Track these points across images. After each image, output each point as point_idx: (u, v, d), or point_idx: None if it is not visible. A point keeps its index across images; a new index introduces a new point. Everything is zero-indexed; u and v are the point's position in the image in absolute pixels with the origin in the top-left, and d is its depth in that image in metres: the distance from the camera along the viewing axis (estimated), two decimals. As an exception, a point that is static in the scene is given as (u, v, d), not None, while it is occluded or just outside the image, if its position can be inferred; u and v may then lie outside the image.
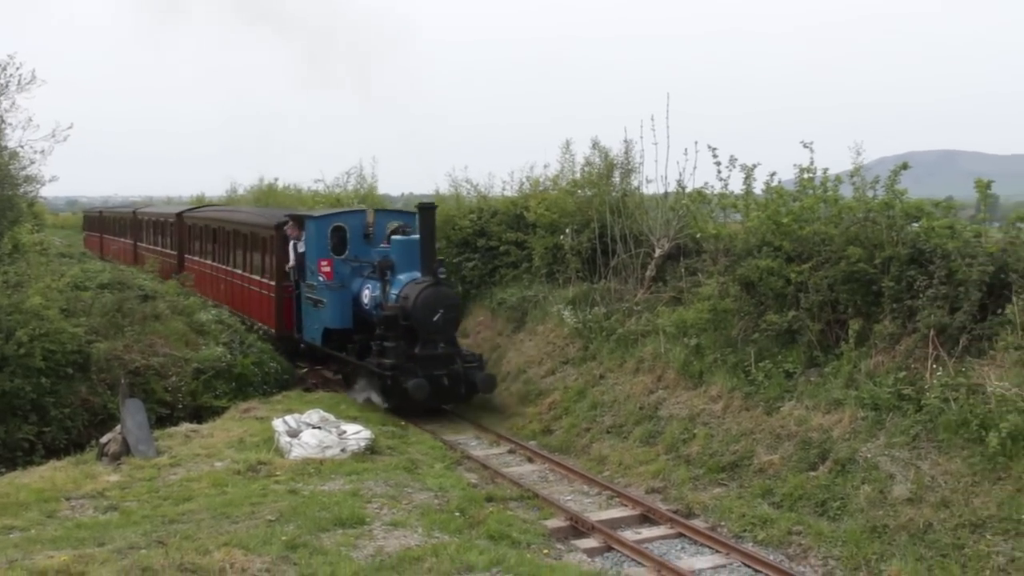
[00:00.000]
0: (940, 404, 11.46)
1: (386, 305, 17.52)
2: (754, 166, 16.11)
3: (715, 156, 16.66)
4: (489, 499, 12.45)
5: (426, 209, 17.56)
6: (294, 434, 14.14)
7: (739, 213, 16.68)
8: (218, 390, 18.56)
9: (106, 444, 14.36)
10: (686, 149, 17.98)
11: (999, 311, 12.18)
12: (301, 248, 20.24)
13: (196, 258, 29.62)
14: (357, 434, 14.34)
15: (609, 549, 11.25)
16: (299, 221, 20.59)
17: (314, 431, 14.23)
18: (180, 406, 17.91)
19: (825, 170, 15.35)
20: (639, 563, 10.79)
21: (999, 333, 11.86)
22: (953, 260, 12.46)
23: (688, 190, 18.10)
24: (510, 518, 11.68)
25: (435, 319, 16.88)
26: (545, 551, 10.77)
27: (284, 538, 9.96)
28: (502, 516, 11.69)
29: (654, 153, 19.49)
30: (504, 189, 24.38)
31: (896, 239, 13.33)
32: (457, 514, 11.53)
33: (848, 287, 13.55)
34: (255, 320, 22.87)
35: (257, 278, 23.04)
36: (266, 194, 40.22)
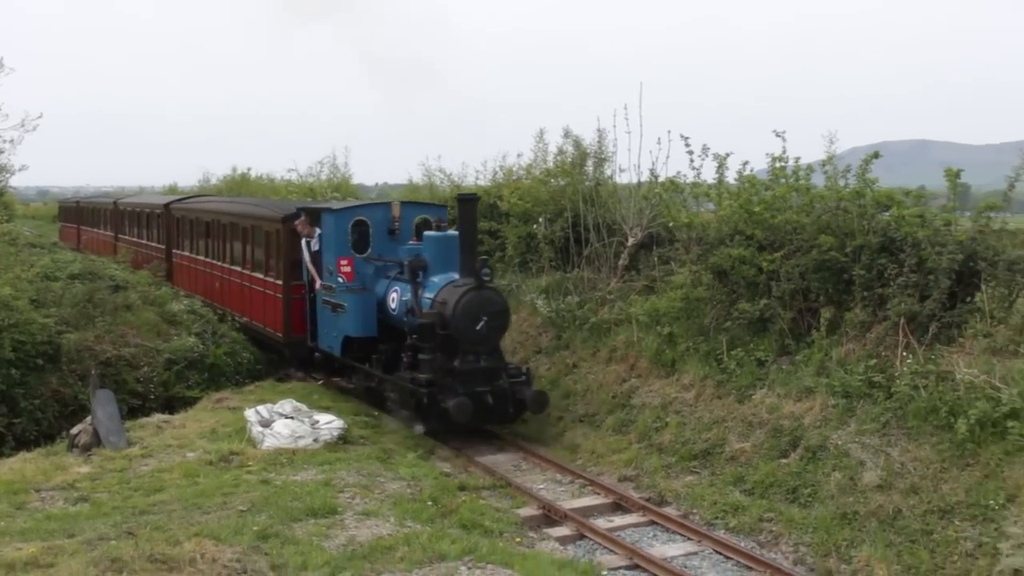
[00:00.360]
0: (910, 391, 11.54)
1: (419, 311, 15.05)
2: (727, 155, 16.16)
3: (688, 145, 16.71)
4: (462, 488, 12.45)
5: (467, 201, 15.18)
6: (266, 424, 14.08)
7: (712, 202, 16.75)
8: (190, 380, 18.48)
9: (77, 435, 14.26)
10: (659, 138, 18.04)
11: (968, 299, 12.29)
12: (316, 245, 17.78)
13: (187, 253, 26.83)
14: (330, 424, 14.31)
15: (581, 537, 11.28)
16: (314, 215, 17.97)
17: (287, 421, 14.19)
18: (152, 397, 17.82)
19: (797, 159, 15.42)
20: (611, 550, 10.82)
21: (968, 321, 11.97)
22: (923, 248, 12.54)
23: (661, 179, 18.14)
24: (483, 507, 11.69)
25: (478, 328, 14.46)
26: (518, 539, 10.78)
27: (256, 528, 9.93)
28: (475, 505, 11.70)
29: (627, 142, 19.59)
30: (477, 178, 24.38)
31: (867, 228, 13.41)
32: (430, 503, 11.52)
33: (819, 275, 13.62)
34: (258, 324, 20.59)
35: (260, 277, 20.37)
36: (239, 184, 40.04)
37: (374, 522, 10.55)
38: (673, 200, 17.35)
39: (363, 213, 17.13)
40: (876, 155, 14.79)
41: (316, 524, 10.37)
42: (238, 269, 21.89)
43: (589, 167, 20.27)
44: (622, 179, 19.88)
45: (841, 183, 14.56)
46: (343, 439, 14.06)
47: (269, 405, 14.89)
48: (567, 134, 21.02)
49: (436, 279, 15.29)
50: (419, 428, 14.73)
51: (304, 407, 15.02)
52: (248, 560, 8.96)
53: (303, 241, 17.96)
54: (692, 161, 16.66)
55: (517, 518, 11.57)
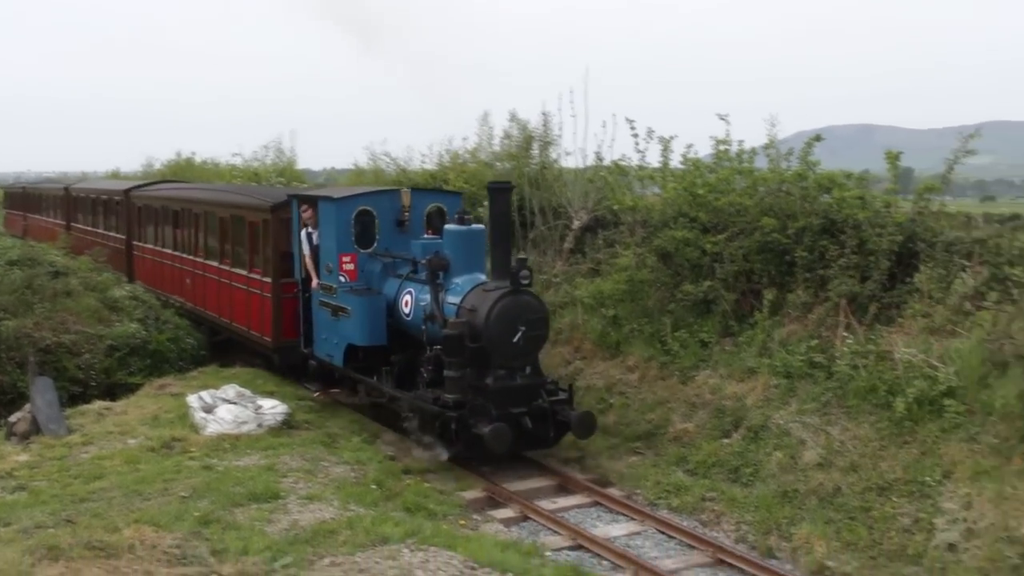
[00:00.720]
0: (850, 371, 11.69)
1: (441, 318, 12.89)
2: (671, 138, 16.24)
3: (633, 128, 16.74)
4: (406, 471, 12.41)
5: (500, 190, 13.02)
6: (209, 410, 13.95)
7: (656, 185, 16.82)
8: (132, 367, 18.20)
9: (15, 423, 14.03)
10: (604, 122, 18.08)
11: (907, 280, 12.43)
12: (316, 239, 15.51)
13: (151, 245, 23.86)
14: (273, 409, 14.19)
15: (526, 519, 11.29)
16: (310, 203, 15.67)
17: (230, 406, 14.05)
18: (93, 384, 17.53)
19: (741, 142, 15.51)
20: (555, 531, 10.84)
21: (907, 301, 12.12)
22: (864, 230, 12.69)
23: (606, 162, 18.18)
24: (427, 490, 11.66)
25: (515, 339, 12.34)
26: (462, 522, 10.78)
27: (197, 514, 9.83)
28: (419, 488, 11.67)
29: (572, 126, 19.59)
30: (423, 162, 24.28)
31: (809, 210, 13.54)
32: (374, 487, 11.47)
33: (762, 257, 13.74)
34: (240, 326, 18.20)
35: (244, 274, 17.77)
36: (184, 168, 39.58)
37: (317, 506, 10.49)
38: (618, 183, 17.41)
39: (368, 202, 14.78)
40: (818, 138, 14.98)
41: (258, 509, 10.29)
42: (214, 264, 19.41)
43: (535, 150, 20.26)
44: (568, 162, 19.91)
45: (784, 166, 14.68)
46: (287, 424, 13.95)
47: (212, 390, 14.74)
48: (513, 117, 21.01)
49: (459, 281, 13.11)
50: (443, 455, 12.75)
51: (248, 392, 14.89)
52: (188, 546, 8.88)
53: (303, 232, 15.59)
54: (637, 144, 16.72)
55: (462, 500, 11.56)
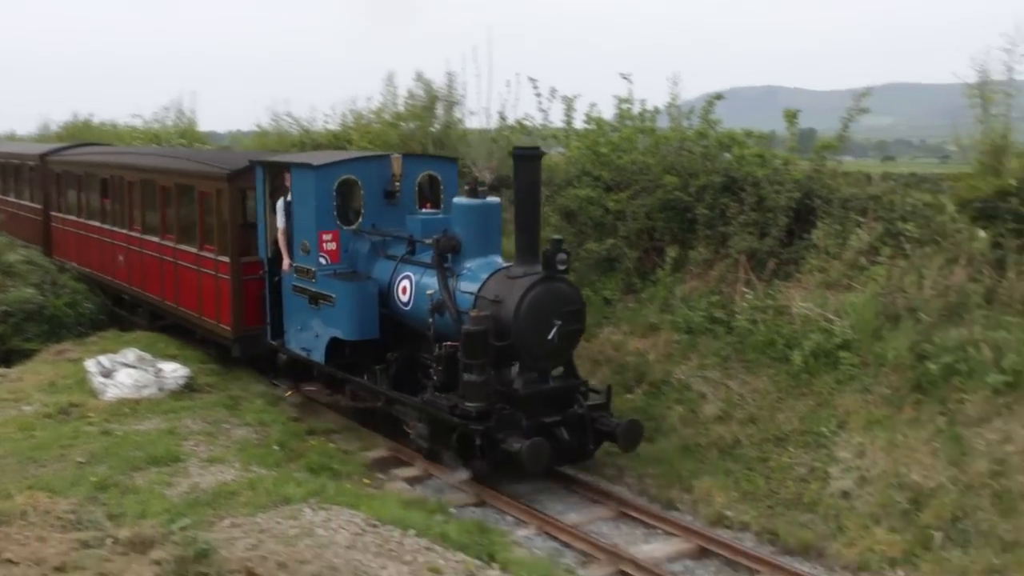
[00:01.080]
0: (749, 326, 11.91)
1: (454, 310, 10.90)
2: (574, 97, 16.28)
3: (536, 88, 16.77)
4: (310, 432, 12.35)
5: (527, 158, 10.81)
6: (108, 374, 13.66)
7: (560, 145, 16.87)
8: (29, 333, 17.73)
9: (-97, 391, 13.61)
10: (508, 81, 18.03)
11: (805, 236, 12.66)
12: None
13: (73, 217, 21.13)
14: (175, 372, 13.95)
15: (430, 477, 11.31)
16: (280, 171, 13.30)
17: (129, 371, 13.78)
18: (-13, 351, 17.08)
19: (643, 101, 15.61)
20: (460, 489, 10.88)
21: (804, 257, 12.35)
22: (762, 188, 12.88)
23: (510, 122, 18.16)
24: (331, 450, 11.63)
25: (550, 336, 10.51)
26: (366, 481, 10.76)
27: (94, 479, 9.65)
28: (324, 449, 11.64)
29: (476, 86, 19.53)
30: (327, 123, 23.96)
31: (710, 168, 13.70)
32: (277, 448, 11.40)
33: (665, 215, 13.86)
34: (188, 311, 15.83)
35: (193, 252, 15.39)
36: (81, 130, 38.48)
37: (218, 468, 10.38)
38: (522, 142, 17.39)
39: (352, 170, 12.63)
40: (719, 96, 15.16)
41: (158, 473, 10.15)
42: (154, 240, 16.89)
43: (439, 110, 20.14)
44: (472, 123, 19.83)
45: (686, 125, 14.83)
46: (189, 387, 13.74)
47: (111, 355, 14.43)
48: (418, 77, 20.83)
49: (472, 265, 11.16)
50: (463, 474, 10.97)
51: (148, 356, 14.60)
52: (84, 511, 8.69)
53: (281, 203, 13.20)
54: (540, 104, 16.74)
55: (366, 460, 11.55)
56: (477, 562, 8.33)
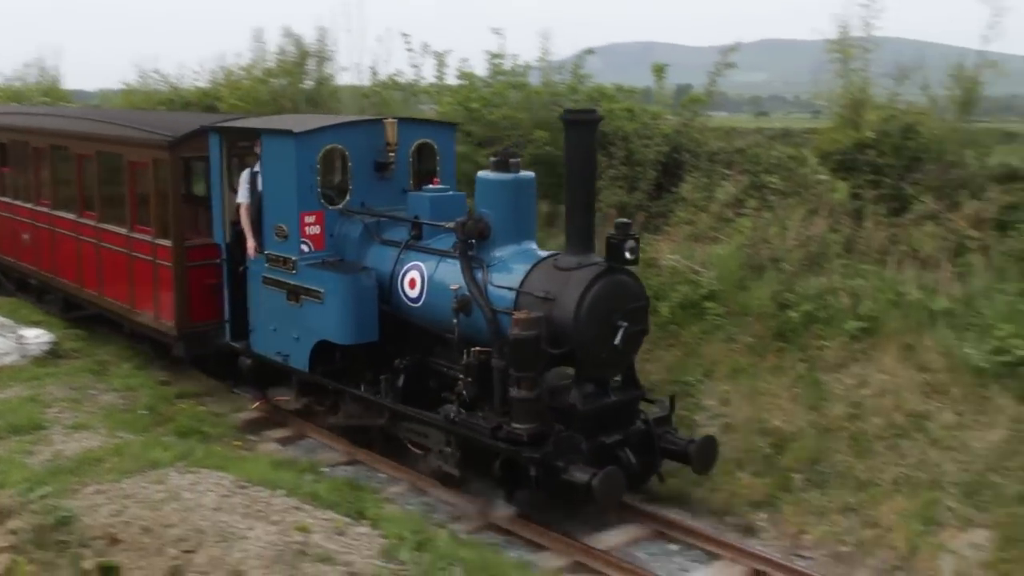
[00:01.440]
0: (619, 279, 12.02)
1: (488, 308, 8.85)
2: (446, 53, 16.19)
3: (408, 43, 16.61)
4: (180, 396, 12.11)
5: (581, 123, 8.72)
6: (-35, 342, 13.19)
7: (433, 101, 16.78)
8: None
9: None
10: (380, 37, 17.84)
11: (673, 189, 12.85)
12: (260, 183, 10.85)
13: None
14: (38, 338, 13.51)
15: (303, 437, 11.22)
16: (246, 138, 11.33)
17: (-11, 337, 13.33)
18: None
19: (515, 56, 15.61)
20: (331, 447, 10.83)
21: (672, 210, 12.54)
22: (631, 142, 13.02)
23: (383, 78, 17.98)
24: (201, 413, 11.42)
25: (617, 341, 8.55)
26: (237, 443, 10.61)
27: (-52, 450, 9.33)
28: (194, 412, 11.41)
29: (348, 41, 19.27)
30: (196, 80, 23.37)
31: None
32: (145, 412, 11.15)
33: (536, 169, 13.86)
34: (119, 304, 13.30)
35: (123, 233, 12.94)
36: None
37: (83, 435, 10.08)
38: (393, 98, 17.25)
39: (339, 137, 10.45)
40: (590, 51, 15.25)
41: (19, 441, 9.80)
42: (69, 218, 14.32)
43: (311, 66, 19.79)
44: (345, 79, 19.56)
45: (558, 79, 14.89)
46: (53, 353, 13.32)
47: (-31, 322, 13.92)
48: (287, 33, 20.42)
49: (503, 253, 9.19)
50: (506, 509, 9.04)
51: (9, 322, 14.11)
52: (-66, 483, 8.40)
53: (244, 175, 11.05)
54: (413, 59, 16.60)
55: (237, 422, 11.39)
56: (347, 519, 8.27)
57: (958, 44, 12.46)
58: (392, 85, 17.24)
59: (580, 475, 8.04)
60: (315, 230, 10.33)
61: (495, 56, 15.62)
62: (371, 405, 10.05)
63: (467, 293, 8.98)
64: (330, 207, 10.40)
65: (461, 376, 8.98)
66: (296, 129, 10.21)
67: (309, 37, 20.05)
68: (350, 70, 19.03)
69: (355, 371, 10.26)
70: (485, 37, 16.28)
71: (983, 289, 9.95)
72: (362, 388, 10.15)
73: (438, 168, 11.07)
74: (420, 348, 9.91)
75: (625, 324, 8.51)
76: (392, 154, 10.60)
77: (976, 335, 9.35)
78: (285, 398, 11.39)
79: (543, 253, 9.18)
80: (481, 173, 9.47)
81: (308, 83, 19.44)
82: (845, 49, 12.49)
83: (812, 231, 11.12)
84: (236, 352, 11.55)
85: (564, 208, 9.04)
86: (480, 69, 16.12)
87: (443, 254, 9.57)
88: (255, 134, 10.89)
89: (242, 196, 10.97)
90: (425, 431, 9.45)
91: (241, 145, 11.57)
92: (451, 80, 16.30)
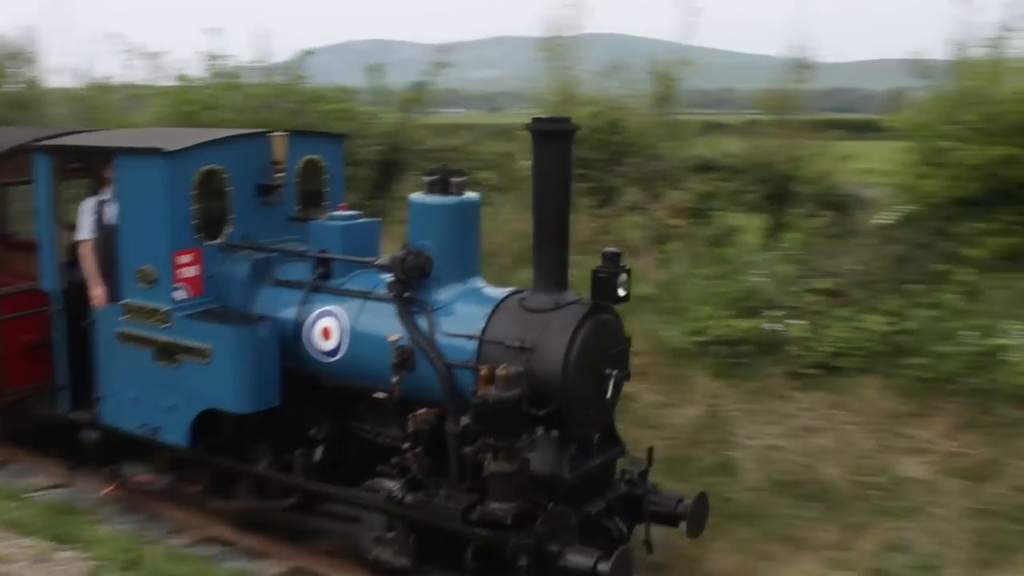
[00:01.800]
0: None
1: (440, 363, 7.08)
2: (160, 54, 15.76)
3: (122, 44, 16.09)
4: None
5: (552, 134, 6.91)
6: None
7: (147, 104, 16.31)
8: None
9: None
10: (91, 37, 17.13)
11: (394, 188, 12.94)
12: (111, 216, 8.53)
13: None
14: None
15: (7, 463, 10.61)
16: (86, 158, 9.15)
17: None
18: None
19: (233, 57, 15.36)
20: (41, 471, 10.29)
21: (391, 208, 12.60)
22: (349, 140, 13.00)
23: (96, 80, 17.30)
24: None
25: (608, 395, 7.16)
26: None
27: None
28: None
29: (58, 43, 18.39)
30: None
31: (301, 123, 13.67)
32: None
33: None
34: None
35: None
36: None
37: None
38: (104, 102, 16.61)
39: (218, 156, 8.15)
40: (310, 52, 15.20)
41: None
42: None
43: (15, 68, 18.71)
44: (56, 82, 18.65)
45: (280, 80, 14.77)
46: None
47: None
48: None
49: (447, 295, 7.41)
50: None
51: None
52: None
53: (88, 204, 8.78)
54: (125, 61, 16.07)
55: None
56: (53, 544, 7.94)
57: (668, 40, 13.12)
58: (104, 88, 16.59)
59: (582, 560, 6.49)
60: (192, 272, 8.14)
61: (214, 57, 15.29)
62: (277, 485, 8.14)
63: (408, 344, 7.26)
64: (207, 242, 8.18)
65: (402, 445, 7.17)
66: (166, 147, 7.94)
67: (13, 37, 18.99)
68: (63, 73, 18.14)
69: (241, 443, 8.27)
70: (205, 38, 15.97)
71: (682, 275, 10.51)
72: (265, 464, 8.17)
73: (325, 189, 9.11)
74: (336, 412, 8.00)
75: (615, 371, 7.16)
76: (280, 175, 8.50)
77: (676, 318, 9.86)
78: (147, 478, 8.93)
79: (499, 292, 7.48)
80: (415, 196, 7.60)
81: (14, 85, 18.38)
82: (554, 47, 12.90)
83: (525, 226, 11.41)
84: (77, 424, 9.03)
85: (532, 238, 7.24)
86: (200, 71, 15.77)
87: (366, 296, 7.72)
88: (106, 154, 8.57)
89: (84, 232, 8.76)
90: (356, 514, 7.72)
91: (74, 168, 9.40)
92: (168, 82, 15.85)
